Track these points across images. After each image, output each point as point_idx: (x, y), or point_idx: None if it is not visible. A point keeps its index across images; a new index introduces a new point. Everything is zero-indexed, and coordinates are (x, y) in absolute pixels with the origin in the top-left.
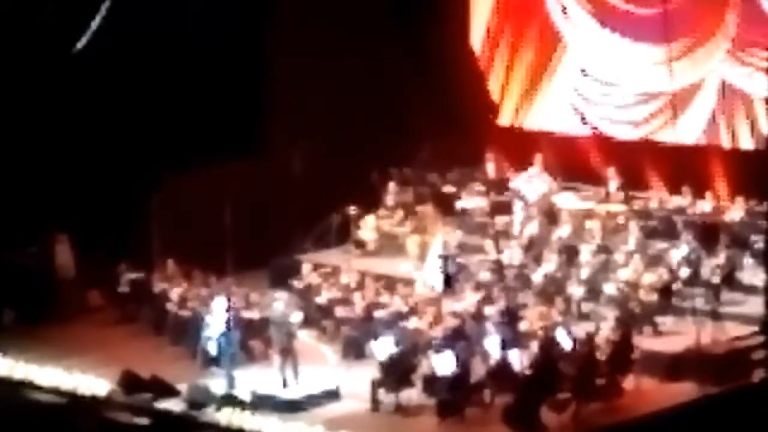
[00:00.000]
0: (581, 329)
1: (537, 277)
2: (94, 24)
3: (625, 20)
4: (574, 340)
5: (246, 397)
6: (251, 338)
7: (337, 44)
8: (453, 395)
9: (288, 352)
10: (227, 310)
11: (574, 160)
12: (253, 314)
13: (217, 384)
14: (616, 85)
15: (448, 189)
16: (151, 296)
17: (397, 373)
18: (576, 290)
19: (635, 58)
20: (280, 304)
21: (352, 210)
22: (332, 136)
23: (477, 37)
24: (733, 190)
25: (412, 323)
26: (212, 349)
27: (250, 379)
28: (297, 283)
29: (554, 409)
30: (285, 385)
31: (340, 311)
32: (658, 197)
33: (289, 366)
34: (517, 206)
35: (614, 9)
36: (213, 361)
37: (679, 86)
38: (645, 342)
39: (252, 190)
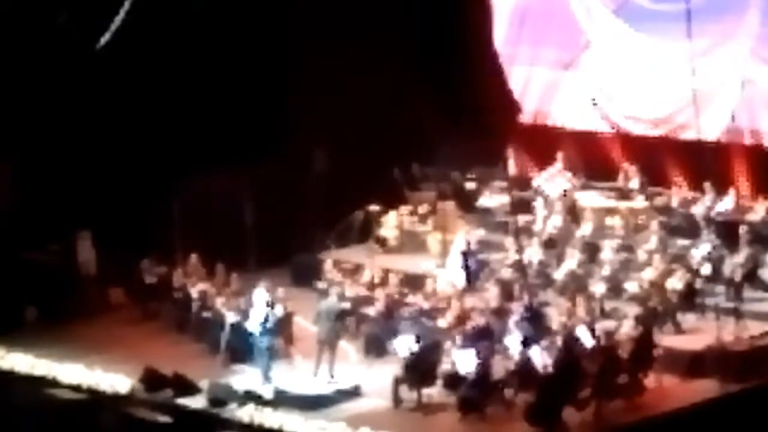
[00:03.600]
0: (603, 327)
1: (559, 274)
2: (118, 21)
3: (649, 18)
4: (596, 338)
5: (268, 394)
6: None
7: (360, 42)
8: (474, 393)
9: (329, 346)
10: (267, 305)
11: (595, 158)
12: (277, 311)
13: (239, 381)
14: (639, 82)
15: (470, 186)
16: (173, 293)
17: (418, 370)
18: (598, 288)
19: (658, 55)
20: (332, 296)
21: (374, 207)
22: (355, 134)
23: (500, 35)
24: (755, 188)
25: (434, 321)
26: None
27: (273, 376)
28: (320, 282)
29: (576, 407)
30: (315, 377)
31: (362, 308)
32: (679, 195)
33: (325, 361)
34: (539, 204)
35: (637, 6)
36: (239, 357)
37: (701, 84)
38: (666, 340)
39: (274, 188)
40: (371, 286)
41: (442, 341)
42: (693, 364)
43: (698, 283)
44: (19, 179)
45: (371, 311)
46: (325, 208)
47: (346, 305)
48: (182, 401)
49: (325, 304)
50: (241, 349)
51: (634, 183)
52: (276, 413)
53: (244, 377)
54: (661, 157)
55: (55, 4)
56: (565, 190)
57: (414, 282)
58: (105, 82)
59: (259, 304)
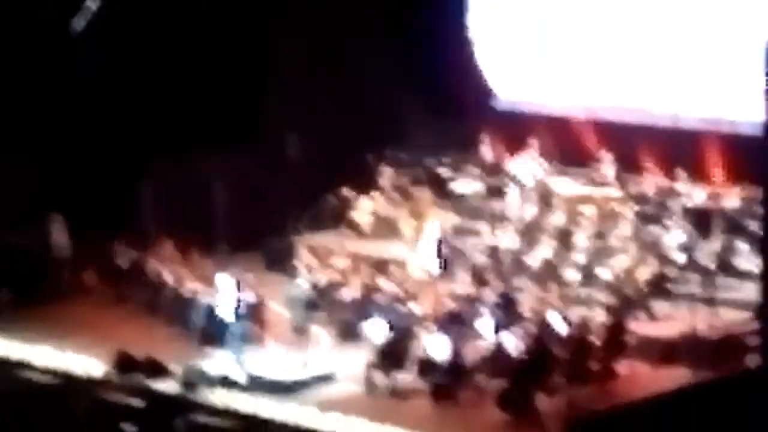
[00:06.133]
0: (576, 314)
1: (532, 261)
2: (92, 5)
3: None
4: (569, 325)
5: (241, 378)
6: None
7: (332, 27)
8: (447, 379)
9: (302, 332)
10: (237, 289)
11: (570, 145)
12: (249, 296)
13: (212, 365)
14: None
15: (444, 172)
16: (146, 276)
17: (391, 356)
18: (571, 275)
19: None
20: (302, 282)
21: (348, 192)
22: (328, 118)
23: (473, 18)
24: (729, 176)
25: (407, 306)
26: (218, 329)
27: (246, 361)
28: (292, 267)
29: (548, 394)
30: (288, 363)
31: (334, 294)
32: (654, 182)
33: (297, 346)
34: (513, 190)
35: None
36: (212, 341)
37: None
38: (639, 327)
39: (247, 172)
40: (344, 272)
41: (415, 327)
42: (665, 352)
43: (672, 271)
44: None
45: (344, 296)
46: (299, 192)
47: (315, 292)
48: (154, 385)
49: (294, 291)
50: (213, 333)
51: (608, 170)
52: (248, 398)
53: (217, 361)
54: (636, 144)
55: None
56: (538, 177)
57: (387, 267)
58: (79, 65)
59: (227, 290)
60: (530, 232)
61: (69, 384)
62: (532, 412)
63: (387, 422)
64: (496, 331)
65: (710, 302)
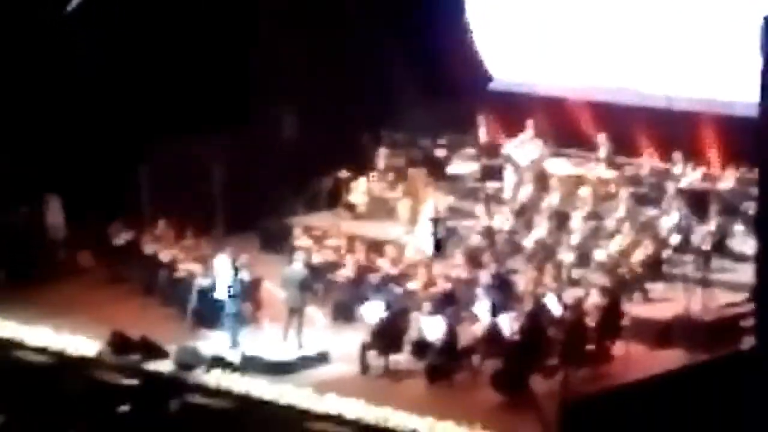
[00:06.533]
0: (571, 295)
1: (527, 242)
2: None
3: None
4: (564, 306)
5: (235, 359)
6: (243, 301)
7: (329, 7)
8: (442, 360)
9: (297, 313)
10: (232, 270)
11: (566, 126)
12: (244, 276)
13: (207, 345)
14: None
15: (440, 153)
16: (141, 257)
17: (386, 336)
18: (566, 256)
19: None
20: (297, 263)
21: (343, 173)
22: (324, 99)
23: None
24: (724, 157)
25: (402, 287)
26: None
27: (241, 341)
28: (288, 248)
29: (543, 375)
30: (284, 343)
31: (330, 275)
32: (649, 164)
33: (293, 327)
34: (509, 171)
35: None
36: (207, 322)
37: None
38: (635, 308)
39: (243, 153)
40: (339, 252)
41: (410, 308)
42: (661, 334)
43: (667, 253)
44: None
45: (339, 277)
46: (294, 173)
47: (310, 273)
48: (149, 365)
49: (290, 271)
50: (208, 313)
51: (603, 151)
52: (243, 378)
53: (212, 342)
54: (631, 126)
55: None
56: (534, 158)
57: (383, 248)
58: (74, 47)
59: (223, 270)
60: (525, 213)
61: (64, 364)
62: (526, 394)
63: (382, 403)
64: (491, 312)
65: (705, 284)
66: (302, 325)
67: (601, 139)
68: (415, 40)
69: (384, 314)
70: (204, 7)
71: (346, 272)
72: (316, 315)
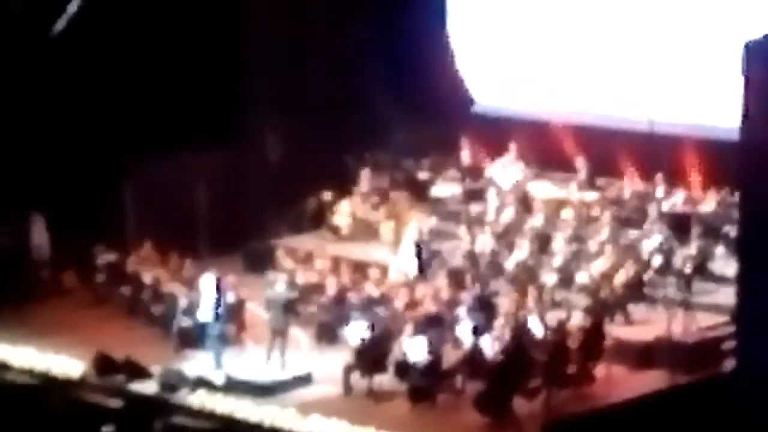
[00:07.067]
0: (553, 317)
1: (510, 264)
2: (72, 7)
3: None
4: (546, 328)
5: (219, 380)
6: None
7: (311, 30)
8: (425, 381)
9: (280, 334)
10: (217, 290)
11: (549, 149)
12: (228, 298)
13: (191, 366)
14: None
15: (423, 175)
16: (125, 278)
17: (369, 358)
18: (549, 278)
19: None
20: (280, 285)
21: (327, 195)
22: (307, 121)
23: (453, 22)
24: (706, 180)
25: (386, 309)
26: (197, 330)
27: (225, 363)
28: (271, 270)
29: (525, 396)
30: (267, 365)
31: (313, 296)
32: (631, 186)
33: (276, 348)
34: (492, 194)
35: None
36: (191, 343)
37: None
38: (616, 330)
39: (227, 174)
40: (323, 274)
41: (394, 329)
42: (642, 355)
43: (649, 275)
44: None
45: (322, 299)
46: (278, 195)
47: (293, 294)
48: (134, 386)
49: (272, 293)
50: (192, 334)
51: (584, 174)
52: (227, 399)
53: (196, 363)
54: (614, 148)
55: None
56: (517, 180)
57: (366, 270)
58: (58, 67)
59: (208, 291)
60: (508, 236)
61: (48, 385)
62: (509, 415)
63: (365, 424)
64: (474, 333)
65: (687, 306)
66: (285, 347)
67: (580, 162)
68: (399, 63)
69: (367, 335)
70: (190, 28)
71: (329, 294)
72: (300, 336)
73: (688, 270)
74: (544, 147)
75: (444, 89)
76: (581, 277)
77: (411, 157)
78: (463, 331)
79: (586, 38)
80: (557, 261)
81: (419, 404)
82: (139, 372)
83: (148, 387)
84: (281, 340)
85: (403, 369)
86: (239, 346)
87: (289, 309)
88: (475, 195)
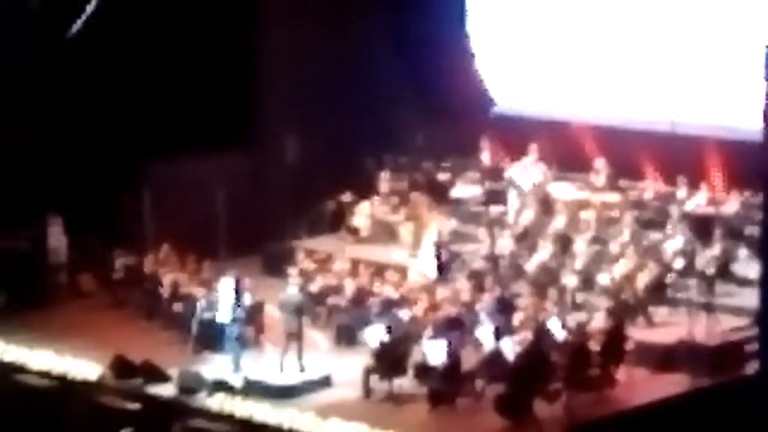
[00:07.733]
0: (574, 319)
1: (531, 266)
2: (88, 9)
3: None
4: (567, 330)
5: (238, 383)
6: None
7: (333, 30)
8: (445, 384)
9: (295, 337)
10: (236, 293)
11: (570, 150)
12: (247, 300)
13: (209, 369)
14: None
15: (443, 177)
16: (143, 281)
17: (389, 360)
18: (570, 280)
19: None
20: (293, 288)
21: (346, 197)
22: (328, 122)
23: (473, 23)
24: (729, 182)
25: (405, 311)
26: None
27: (243, 365)
28: (288, 272)
29: (546, 400)
30: (282, 369)
31: (332, 298)
32: (653, 188)
33: (292, 351)
34: (512, 195)
35: None
36: (209, 346)
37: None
38: (638, 333)
39: (247, 177)
40: (342, 276)
41: (413, 332)
42: (664, 358)
43: (671, 277)
44: None
45: (341, 301)
46: (297, 196)
47: (308, 297)
48: (152, 389)
49: (285, 296)
50: (211, 337)
51: (605, 176)
52: (246, 402)
53: (214, 366)
54: (635, 150)
55: None
56: (537, 182)
57: (385, 272)
58: (76, 69)
59: (226, 294)
60: (529, 237)
61: (66, 388)
62: (530, 418)
63: (384, 427)
64: (495, 336)
65: (709, 308)
66: (302, 349)
67: (600, 164)
68: (420, 64)
69: (386, 338)
70: (207, 30)
71: (347, 296)
72: (319, 339)
73: (710, 272)
74: (564, 148)
75: (464, 91)
76: (603, 279)
77: (431, 158)
78: (483, 333)
79: (607, 39)
80: (578, 263)
81: (439, 407)
82: (157, 375)
83: (166, 390)
84: (297, 342)
85: (423, 372)
86: (258, 348)
87: (301, 312)
88: (495, 197)
